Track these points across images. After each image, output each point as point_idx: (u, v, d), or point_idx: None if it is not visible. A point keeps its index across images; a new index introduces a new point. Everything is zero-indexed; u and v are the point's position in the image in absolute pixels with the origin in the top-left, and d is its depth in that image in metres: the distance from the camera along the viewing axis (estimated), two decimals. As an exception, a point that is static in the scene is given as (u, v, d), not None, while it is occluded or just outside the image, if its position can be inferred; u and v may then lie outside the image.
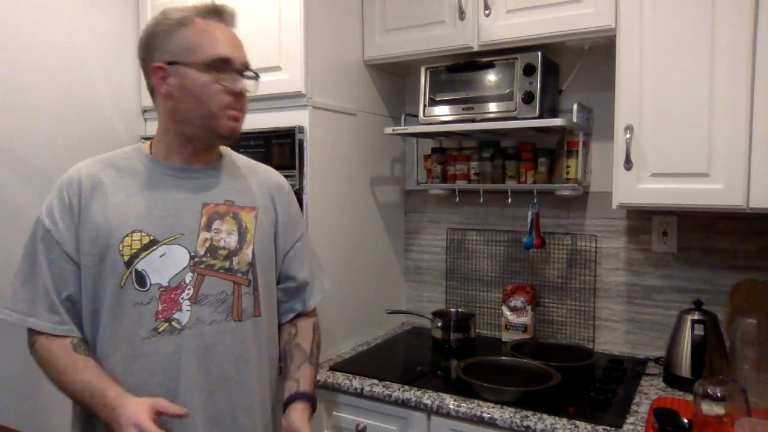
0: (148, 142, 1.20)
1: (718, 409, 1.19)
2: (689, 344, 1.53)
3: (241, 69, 1.13)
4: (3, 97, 1.66)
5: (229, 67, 1.11)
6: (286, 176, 1.68)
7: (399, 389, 1.55)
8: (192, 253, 1.11)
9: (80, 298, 1.09)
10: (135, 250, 1.07)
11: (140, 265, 1.07)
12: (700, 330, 1.52)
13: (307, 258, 1.36)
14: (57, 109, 1.80)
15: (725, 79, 1.38)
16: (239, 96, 1.13)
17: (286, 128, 1.68)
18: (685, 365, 1.54)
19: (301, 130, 1.68)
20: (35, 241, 1.09)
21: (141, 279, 1.07)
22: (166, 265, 1.09)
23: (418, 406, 1.50)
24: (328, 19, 1.78)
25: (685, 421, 1.25)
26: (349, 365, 1.74)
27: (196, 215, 1.14)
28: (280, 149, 1.69)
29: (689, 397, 1.35)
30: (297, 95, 1.69)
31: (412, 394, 1.52)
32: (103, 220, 1.07)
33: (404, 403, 1.52)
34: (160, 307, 1.08)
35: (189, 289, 1.10)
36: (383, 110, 2.07)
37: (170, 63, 1.09)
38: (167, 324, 1.08)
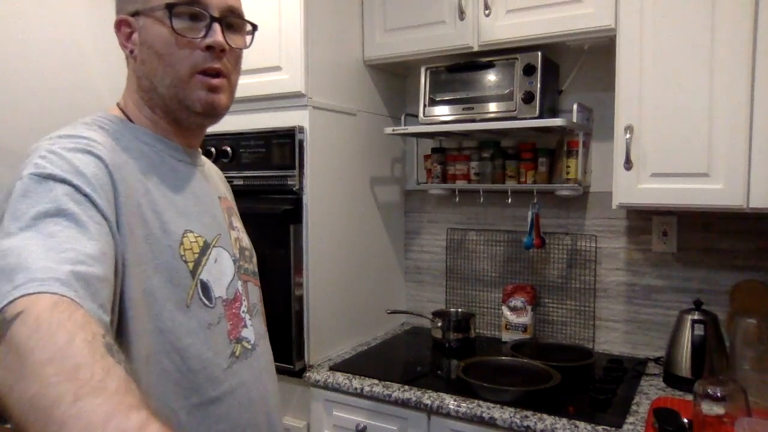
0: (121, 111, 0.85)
1: (718, 409, 1.19)
2: (689, 344, 1.53)
3: (223, 16, 0.81)
4: (3, 96, 1.66)
5: (203, 13, 0.79)
6: (286, 176, 1.69)
7: (399, 389, 1.55)
8: (233, 258, 0.89)
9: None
10: (197, 256, 0.80)
11: (204, 275, 0.81)
12: (700, 330, 1.52)
13: None
14: (57, 108, 1.80)
15: (725, 79, 1.38)
16: (219, 54, 0.80)
17: (286, 128, 1.68)
18: (685, 365, 1.54)
19: (301, 130, 1.68)
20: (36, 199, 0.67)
21: (207, 292, 0.81)
22: (220, 273, 0.85)
23: (418, 406, 1.50)
24: (328, 19, 1.78)
25: (685, 421, 1.25)
26: (349, 365, 1.74)
27: (220, 210, 0.91)
28: (280, 149, 1.69)
29: (689, 397, 1.36)
30: (297, 95, 1.69)
31: (412, 394, 1.52)
32: (151, 213, 0.76)
33: (404, 403, 1.52)
34: (229, 326, 0.84)
35: (244, 300, 0.89)
36: (383, 110, 2.07)
37: (134, 14, 0.80)
38: (239, 345, 0.86)
